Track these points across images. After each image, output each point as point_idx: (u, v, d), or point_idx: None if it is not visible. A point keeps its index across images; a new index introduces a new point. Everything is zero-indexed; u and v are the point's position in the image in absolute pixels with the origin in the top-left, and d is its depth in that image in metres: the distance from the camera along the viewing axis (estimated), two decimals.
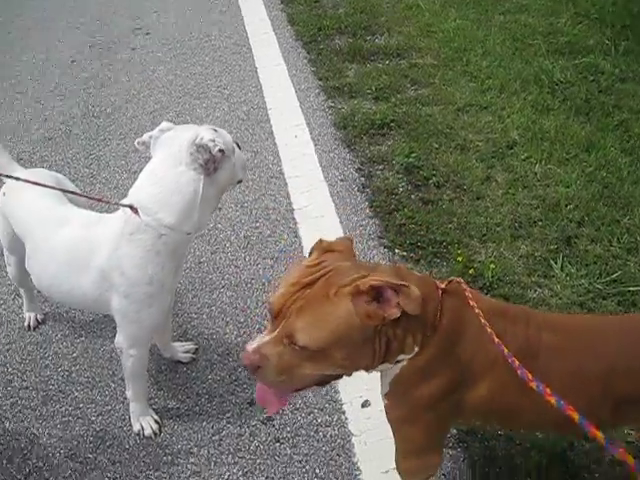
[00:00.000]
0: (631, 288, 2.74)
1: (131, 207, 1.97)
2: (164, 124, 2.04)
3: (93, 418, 2.46)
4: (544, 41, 4.66)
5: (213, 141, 1.91)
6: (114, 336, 2.26)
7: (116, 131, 4.18)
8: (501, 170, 3.47)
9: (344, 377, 1.60)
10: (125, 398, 2.43)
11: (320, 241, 1.62)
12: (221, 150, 1.92)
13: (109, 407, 2.50)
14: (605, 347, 1.60)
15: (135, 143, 2.07)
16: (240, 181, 2.19)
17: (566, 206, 3.18)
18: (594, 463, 2.14)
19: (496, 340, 1.47)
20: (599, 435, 1.21)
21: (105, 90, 4.69)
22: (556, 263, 2.88)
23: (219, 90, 4.50)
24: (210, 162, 1.93)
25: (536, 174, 3.42)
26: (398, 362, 1.60)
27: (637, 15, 4.92)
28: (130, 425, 2.41)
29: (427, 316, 1.53)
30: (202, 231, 2.14)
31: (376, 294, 1.43)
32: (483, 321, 1.49)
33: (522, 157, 3.55)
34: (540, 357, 1.55)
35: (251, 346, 1.48)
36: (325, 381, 1.60)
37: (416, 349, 1.55)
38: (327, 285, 1.46)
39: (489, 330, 1.48)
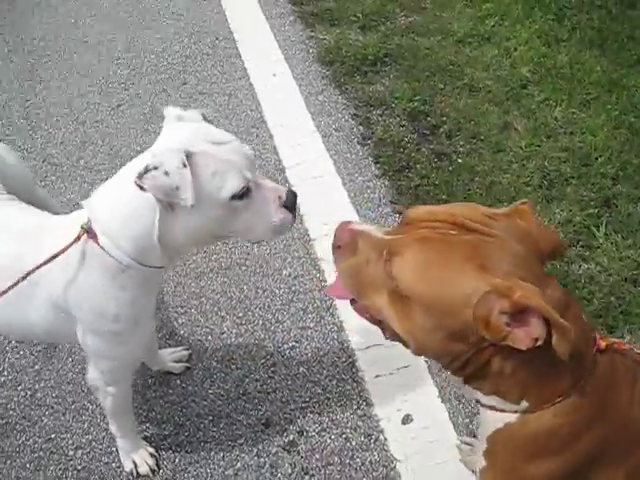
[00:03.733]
0: None
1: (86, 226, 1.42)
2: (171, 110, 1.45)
3: (70, 452, 1.98)
4: None
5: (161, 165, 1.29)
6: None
7: (53, 70, 3.49)
8: (519, 115, 3.01)
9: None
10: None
11: (524, 202, 1.23)
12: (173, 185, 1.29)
13: (89, 437, 2.02)
14: None
15: None
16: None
17: (596, 159, 2.78)
18: None
19: None
20: None
21: (34, 18, 3.93)
22: (598, 231, 2.50)
23: (174, 17, 3.81)
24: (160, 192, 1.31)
25: (557, 120, 2.98)
26: (495, 409, 1.20)
27: None
28: (120, 461, 1.94)
29: (562, 373, 1.13)
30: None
31: (520, 312, 1.03)
32: None
33: (539, 99, 3.09)
34: None
35: (353, 225, 1.22)
36: (384, 328, 1.22)
37: (524, 404, 1.17)
38: (474, 249, 1.08)
39: None
